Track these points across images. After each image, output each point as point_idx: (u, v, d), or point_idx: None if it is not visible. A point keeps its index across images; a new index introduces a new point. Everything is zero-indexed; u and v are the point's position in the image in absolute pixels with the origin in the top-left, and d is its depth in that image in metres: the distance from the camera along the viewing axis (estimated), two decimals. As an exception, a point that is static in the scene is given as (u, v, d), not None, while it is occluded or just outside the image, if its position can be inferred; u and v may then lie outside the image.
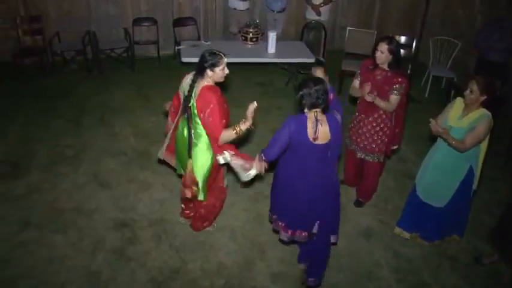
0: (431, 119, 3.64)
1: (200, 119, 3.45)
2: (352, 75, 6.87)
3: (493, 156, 5.44)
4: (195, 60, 6.02)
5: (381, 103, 4.06)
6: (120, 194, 4.78)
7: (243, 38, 6.79)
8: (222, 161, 3.57)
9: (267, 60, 6.56)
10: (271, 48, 6.53)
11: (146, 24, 7.94)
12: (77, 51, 7.46)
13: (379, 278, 3.93)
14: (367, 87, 4.10)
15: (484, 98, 3.56)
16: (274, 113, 6.43)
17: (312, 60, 6.49)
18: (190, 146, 3.67)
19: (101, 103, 6.56)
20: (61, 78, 7.30)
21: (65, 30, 7.55)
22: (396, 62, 4.03)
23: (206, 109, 3.36)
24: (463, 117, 3.67)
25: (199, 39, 7.73)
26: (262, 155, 3.40)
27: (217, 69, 3.43)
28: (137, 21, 7.86)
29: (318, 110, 3.16)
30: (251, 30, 6.72)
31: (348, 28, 7.46)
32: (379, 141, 4.34)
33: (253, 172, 3.49)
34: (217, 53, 3.45)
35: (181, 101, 3.59)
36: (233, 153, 3.54)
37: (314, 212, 3.40)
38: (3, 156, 5.32)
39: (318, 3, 7.42)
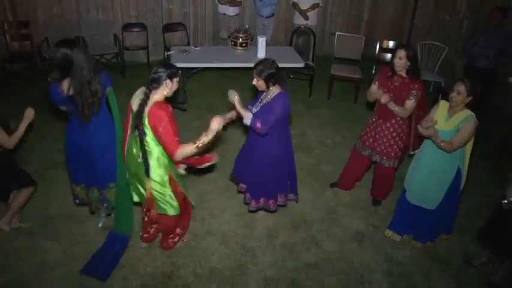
0: (418, 126, 3.70)
1: (154, 135, 3.34)
2: (341, 80, 7.02)
3: (482, 159, 5.55)
4: (185, 65, 6.18)
5: (395, 108, 4.15)
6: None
7: (233, 43, 6.81)
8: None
9: (257, 65, 6.56)
10: (261, 53, 6.55)
11: (136, 29, 7.94)
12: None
13: (371, 281, 3.95)
14: (382, 92, 4.18)
15: (469, 99, 3.64)
16: (265, 117, 6.45)
17: (301, 65, 6.54)
18: (147, 164, 3.45)
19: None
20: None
21: (54, 35, 7.50)
22: (414, 69, 4.12)
23: (158, 127, 3.25)
24: (449, 120, 3.73)
25: (189, 44, 7.75)
26: (258, 120, 3.69)
27: (175, 80, 3.37)
28: (127, 27, 7.87)
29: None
30: (241, 35, 6.74)
31: (337, 33, 7.52)
32: (396, 147, 4.41)
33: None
34: (174, 65, 3.47)
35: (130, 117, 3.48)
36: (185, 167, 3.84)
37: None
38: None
39: (305, 8, 7.49)
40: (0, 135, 3.75)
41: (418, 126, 3.71)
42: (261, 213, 4.60)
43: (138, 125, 3.31)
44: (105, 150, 3.82)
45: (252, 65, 6.36)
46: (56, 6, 7.51)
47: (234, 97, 3.81)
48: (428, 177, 3.95)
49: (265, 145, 3.91)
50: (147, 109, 3.28)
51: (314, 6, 7.55)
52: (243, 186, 4.30)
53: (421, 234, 4.27)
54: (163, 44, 7.93)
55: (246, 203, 4.33)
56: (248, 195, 4.20)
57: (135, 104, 3.39)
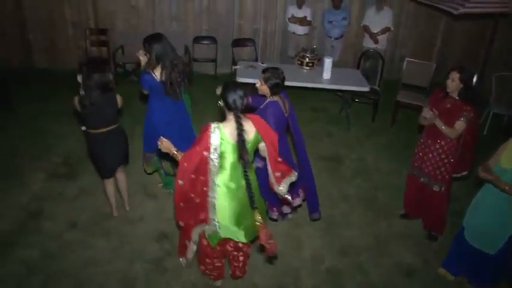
0: (479, 170, 3.53)
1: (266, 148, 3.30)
2: (407, 107, 6.82)
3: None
4: (250, 80, 6.26)
5: (442, 126, 4.08)
6: (165, 206, 4.89)
7: (299, 62, 6.83)
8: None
9: (321, 86, 6.54)
10: (327, 74, 6.53)
11: (206, 42, 8.18)
12: (138, 64, 7.74)
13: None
14: (429, 110, 4.10)
15: None
16: (324, 139, 6.42)
17: (366, 89, 6.44)
18: (252, 195, 3.28)
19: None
20: (121, 88, 7.59)
21: (129, 43, 7.90)
22: (466, 92, 4.05)
23: (268, 133, 3.27)
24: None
25: (256, 60, 7.86)
26: None
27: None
28: (198, 39, 8.12)
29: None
30: (308, 55, 6.75)
31: (406, 59, 7.35)
32: (443, 169, 4.30)
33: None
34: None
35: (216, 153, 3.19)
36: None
37: None
38: (64, 159, 5.63)
39: (375, 32, 7.40)
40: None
41: (479, 170, 3.53)
42: (309, 234, 4.56)
43: (244, 155, 3.18)
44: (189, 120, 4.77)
45: (316, 85, 6.51)
46: (134, 17, 7.89)
47: None
48: (491, 219, 3.69)
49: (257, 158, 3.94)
50: (248, 128, 3.20)
51: (385, 30, 7.45)
52: None
53: (479, 279, 4.01)
54: (231, 58, 8.10)
55: None
56: None
57: (226, 139, 3.18)
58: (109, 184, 4.53)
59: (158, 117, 4.53)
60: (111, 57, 7.74)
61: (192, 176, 3.21)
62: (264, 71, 4.03)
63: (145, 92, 4.45)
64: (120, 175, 4.61)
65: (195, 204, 3.33)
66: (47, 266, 4.03)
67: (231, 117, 3.18)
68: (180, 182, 3.23)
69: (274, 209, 4.54)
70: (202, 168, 3.20)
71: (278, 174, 3.35)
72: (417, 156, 4.51)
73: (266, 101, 4.05)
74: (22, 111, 6.74)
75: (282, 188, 3.38)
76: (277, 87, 3.97)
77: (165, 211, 4.81)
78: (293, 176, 3.43)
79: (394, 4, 8.00)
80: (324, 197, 5.13)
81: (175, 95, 4.44)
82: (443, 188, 4.39)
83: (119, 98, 4.22)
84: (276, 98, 4.02)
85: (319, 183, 5.34)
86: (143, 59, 4.41)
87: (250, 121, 3.23)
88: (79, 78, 4.03)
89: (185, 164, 3.19)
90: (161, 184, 5.17)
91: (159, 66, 4.28)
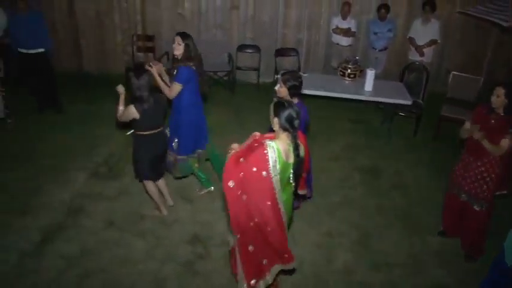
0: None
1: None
2: (451, 121, 6.65)
3: None
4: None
5: (488, 145, 3.96)
6: (200, 210, 4.97)
7: (341, 73, 6.81)
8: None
9: (363, 97, 6.48)
10: (369, 86, 6.48)
11: (250, 51, 8.26)
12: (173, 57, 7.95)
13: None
14: (478, 129, 4.00)
15: None
16: (363, 151, 6.33)
17: (409, 102, 6.33)
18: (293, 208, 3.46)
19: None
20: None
21: (175, 50, 8.09)
22: None
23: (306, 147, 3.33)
24: None
25: (299, 70, 7.87)
26: None
27: None
28: (241, 48, 8.22)
29: None
30: (350, 66, 6.72)
31: (452, 72, 7.18)
32: (485, 187, 4.17)
33: None
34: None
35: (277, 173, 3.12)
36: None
37: None
38: (105, 160, 5.81)
39: (421, 44, 7.27)
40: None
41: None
42: (342, 246, 4.52)
43: (299, 175, 3.26)
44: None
45: (357, 97, 6.46)
46: (180, 24, 8.09)
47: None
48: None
49: None
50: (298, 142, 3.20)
51: (431, 43, 7.31)
52: None
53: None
54: (274, 67, 8.14)
55: None
56: None
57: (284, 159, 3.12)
58: (150, 184, 4.65)
59: (194, 114, 4.76)
60: (156, 63, 7.94)
61: (257, 203, 3.13)
62: (283, 73, 4.14)
63: (179, 88, 4.49)
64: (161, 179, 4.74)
65: (266, 237, 3.25)
66: (84, 261, 4.17)
67: (283, 136, 3.12)
68: (238, 233, 3.20)
69: None
70: (266, 192, 3.11)
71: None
72: (457, 173, 4.37)
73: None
74: (70, 113, 7.01)
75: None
76: (295, 89, 4.08)
77: (199, 215, 4.88)
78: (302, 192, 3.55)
79: (442, 16, 7.82)
80: (359, 209, 5.08)
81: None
82: (484, 207, 4.24)
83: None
84: (294, 101, 4.04)
85: (355, 195, 5.30)
86: (179, 49, 4.51)
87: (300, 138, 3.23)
88: (134, 81, 4.09)
89: (242, 195, 3.11)
90: (198, 189, 5.26)
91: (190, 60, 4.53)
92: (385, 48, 7.67)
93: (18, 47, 6.51)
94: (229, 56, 8.23)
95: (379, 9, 7.43)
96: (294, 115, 3.07)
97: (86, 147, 6.03)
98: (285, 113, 3.06)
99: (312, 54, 8.48)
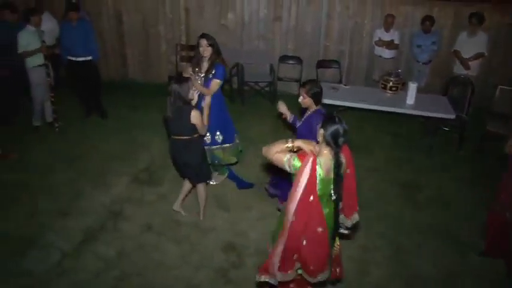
0: None
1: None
2: (496, 136, 6.42)
3: None
4: (330, 102, 6.26)
5: None
6: (236, 219, 5.01)
7: (383, 86, 6.74)
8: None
9: (404, 111, 6.38)
10: (410, 99, 6.38)
11: (291, 62, 8.28)
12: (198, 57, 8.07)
13: None
14: None
15: None
16: (403, 165, 6.21)
17: (452, 116, 6.19)
18: (338, 224, 3.33)
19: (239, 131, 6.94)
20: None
21: (217, 60, 8.23)
22: None
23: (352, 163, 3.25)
24: None
25: (340, 82, 7.83)
26: None
27: None
28: (283, 59, 8.26)
29: None
30: (392, 78, 6.64)
31: (500, 86, 6.96)
32: None
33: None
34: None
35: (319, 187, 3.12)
36: None
37: None
38: (146, 165, 5.96)
39: (467, 57, 7.09)
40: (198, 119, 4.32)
41: None
42: (376, 260, 4.44)
43: (339, 191, 3.17)
44: None
45: (399, 110, 6.36)
46: (223, 34, 8.23)
47: (283, 108, 4.56)
48: None
49: None
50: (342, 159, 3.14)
51: (478, 56, 7.11)
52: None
53: None
54: (315, 78, 8.12)
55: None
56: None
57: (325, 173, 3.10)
58: (184, 183, 4.90)
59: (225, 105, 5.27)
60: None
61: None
62: (304, 84, 4.19)
63: (219, 84, 4.92)
64: (198, 186, 4.81)
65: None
66: (121, 263, 4.29)
67: (326, 152, 3.08)
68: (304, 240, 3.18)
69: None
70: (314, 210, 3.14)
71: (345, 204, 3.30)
72: (502, 190, 4.21)
73: (309, 112, 4.23)
74: (113, 119, 7.25)
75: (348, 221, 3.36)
76: (318, 96, 4.11)
77: (236, 223, 4.92)
78: (351, 219, 3.38)
79: (491, 27, 7.60)
80: (396, 223, 4.99)
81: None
82: None
83: (194, 115, 4.26)
84: (320, 108, 4.17)
85: (393, 209, 5.20)
86: (208, 50, 4.87)
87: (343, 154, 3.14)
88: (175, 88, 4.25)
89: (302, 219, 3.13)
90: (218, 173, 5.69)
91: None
92: (429, 62, 7.53)
93: (68, 55, 6.78)
94: (271, 66, 8.28)
95: (423, 21, 7.30)
96: (341, 132, 3.03)
97: (128, 152, 6.19)
98: (332, 128, 3.02)
99: (353, 67, 8.41)
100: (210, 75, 4.90)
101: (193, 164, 4.56)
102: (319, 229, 3.14)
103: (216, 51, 4.92)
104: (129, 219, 4.91)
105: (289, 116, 4.56)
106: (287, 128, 6.84)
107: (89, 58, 6.86)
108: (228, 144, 5.32)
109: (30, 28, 6.26)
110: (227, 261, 4.36)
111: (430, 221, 5.09)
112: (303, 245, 3.18)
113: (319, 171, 3.02)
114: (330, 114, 3.24)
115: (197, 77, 4.88)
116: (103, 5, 8.49)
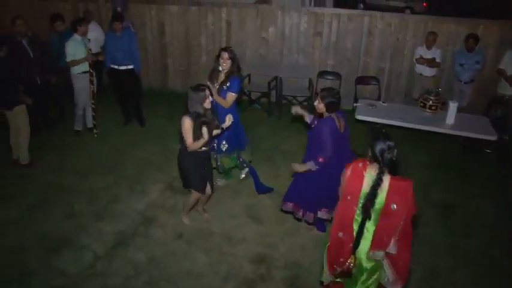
0: None
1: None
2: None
3: None
4: (368, 119, 6.21)
5: None
6: (267, 231, 5.00)
7: (422, 104, 6.63)
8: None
9: (443, 130, 6.24)
10: (450, 119, 6.26)
11: (330, 77, 8.25)
12: (262, 93, 8.12)
13: None
14: None
15: None
16: (439, 186, 6.05)
17: (493, 138, 6.02)
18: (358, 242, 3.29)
19: (274, 145, 6.99)
20: (244, 115, 7.96)
21: (256, 73, 8.32)
22: None
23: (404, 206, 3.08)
24: None
25: (379, 99, 7.74)
26: (318, 158, 4.19)
27: None
28: (322, 74, 8.24)
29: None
30: (431, 97, 6.53)
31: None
32: None
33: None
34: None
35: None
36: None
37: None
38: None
39: (514, 75, 6.86)
40: (188, 137, 4.31)
41: None
42: (409, 283, 4.32)
43: (368, 206, 3.14)
44: None
45: (437, 129, 6.23)
46: (264, 47, 8.31)
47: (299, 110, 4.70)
48: None
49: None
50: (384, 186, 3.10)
51: (524, 74, 6.87)
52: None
53: None
54: (353, 94, 8.07)
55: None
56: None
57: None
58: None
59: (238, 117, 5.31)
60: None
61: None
62: (322, 90, 4.35)
63: (234, 98, 5.12)
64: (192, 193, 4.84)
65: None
66: (151, 269, 4.36)
67: (374, 167, 3.12)
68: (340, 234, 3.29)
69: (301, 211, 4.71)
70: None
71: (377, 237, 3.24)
72: None
73: (322, 118, 4.37)
74: (151, 127, 7.43)
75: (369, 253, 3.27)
76: (332, 105, 4.22)
77: (267, 236, 4.92)
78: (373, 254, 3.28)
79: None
80: (430, 246, 4.85)
81: None
82: None
83: (183, 122, 4.28)
84: (332, 115, 4.26)
85: (427, 231, 5.07)
86: (228, 63, 5.02)
87: (388, 179, 3.09)
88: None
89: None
90: (223, 179, 5.86)
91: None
92: (472, 81, 7.35)
93: (111, 63, 7.00)
94: (310, 81, 8.28)
95: (467, 39, 7.15)
96: (386, 148, 3.04)
97: (163, 160, 6.31)
98: (379, 145, 3.06)
99: (393, 84, 8.30)
100: (225, 87, 5.07)
101: (180, 171, 4.71)
102: (340, 234, 3.24)
103: (236, 66, 5.09)
104: (162, 226, 4.99)
105: (307, 116, 4.65)
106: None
107: (131, 67, 7.06)
108: (231, 153, 5.51)
109: (76, 37, 6.53)
110: (255, 273, 4.36)
111: (466, 244, 4.93)
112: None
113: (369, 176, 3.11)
114: (378, 130, 3.23)
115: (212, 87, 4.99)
116: (147, 16, 8.74)
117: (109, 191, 5.59)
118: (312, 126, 4.56)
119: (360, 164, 3.17)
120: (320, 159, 4.20)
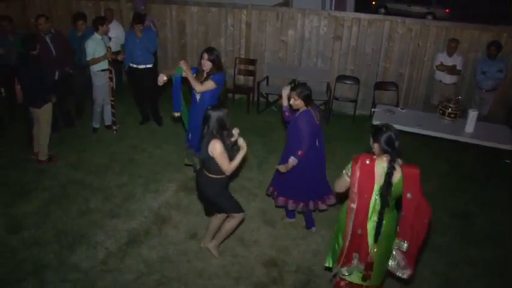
0: None
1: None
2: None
3: None
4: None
5: None
6: (280, 235, 4.99)
7: (441, 111, 6.54)
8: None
9: (462, 139, 6.15)
10: (469, 127, 6.16)
11: (349, 82, 8.21)
12: (280, 95, 8.08)
13: None
14: None
15: None
16: (456, 195, 5.96)
17: (512, 147, 5.93)
18: (379, 232, 3.34)
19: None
20: (261, 117, 8.00)
21: (274, 75, 8.34)
22: None
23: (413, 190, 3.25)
24: None
25: (397, 105, 7.68)
26: (297, 153, 4.31)
27: None
28: (340, 78, 8.20)
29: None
30: (451, 105, 6.43)
31: None
32: None
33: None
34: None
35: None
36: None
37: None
38: (195, 174, 6.02)
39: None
40: (224, 161, 3.95)
41: None
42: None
43: (386, 197, 3.25)
44: None
45: (456, 137, 6.14)
46: (283, 50, 8.30)
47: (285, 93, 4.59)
48: None
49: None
50: (397, 176, 3.25)
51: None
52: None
53: None
54: (372, 100, 8.02)
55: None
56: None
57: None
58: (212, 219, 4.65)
59: None
60: (255, 87, 8.19)
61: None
62: (295, 87, 4.41)
63: (211, 86, 4.93)
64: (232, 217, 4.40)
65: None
66: (163, 268, 4.38)
67: (384, 158, 3.25)
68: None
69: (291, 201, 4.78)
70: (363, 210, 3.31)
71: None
72: None
73: (299, 112, 4.41)
74: (167, 127, 7.48)
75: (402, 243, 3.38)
76: (309, 98, 4.33)
77: (279, 239, 4.90)
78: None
79: None
80: (446, 256, 4.78)
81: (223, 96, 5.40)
82: None
83: (213, 145, 3.89)
84: (308, 108, 4.39)
85: (443, 240, 5.00)
86: (208, 65, 4.93)
87: (400, 165, 3.26)
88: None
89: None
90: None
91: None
92: (493, 89, 7.22)
93: (130, 62, 7.06)
94: (328, 85, 8.25)
95: (489, 46, 7.04)
96: (394, 137, 3.20)
97: (178, 160, 6.33)
98: (384, 136, 3.21)
99: (412, 90, 8.21)
100: None
101: (209, 199, 4.30)
102: (359, 231, 3.34)
103: (217, 67, 4.98)
104: (175, 226, 5.01)
105: (284, 104, 4.59)
106: (339, 147, 6.82)
107: (149, 66, 7.11)
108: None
109: (96, 36, 6.59)
110: (267, 276, 4.35)
111: (482, 255, 4.85)
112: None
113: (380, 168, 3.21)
114: (376, 126, 3.35)
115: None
116: (167, 15, 8.81)
117: (125, 189, 5.64)
118: (288, 121, 4.62)
119: (367, 161, 3.24)
120: (299, 153, 4.32)
